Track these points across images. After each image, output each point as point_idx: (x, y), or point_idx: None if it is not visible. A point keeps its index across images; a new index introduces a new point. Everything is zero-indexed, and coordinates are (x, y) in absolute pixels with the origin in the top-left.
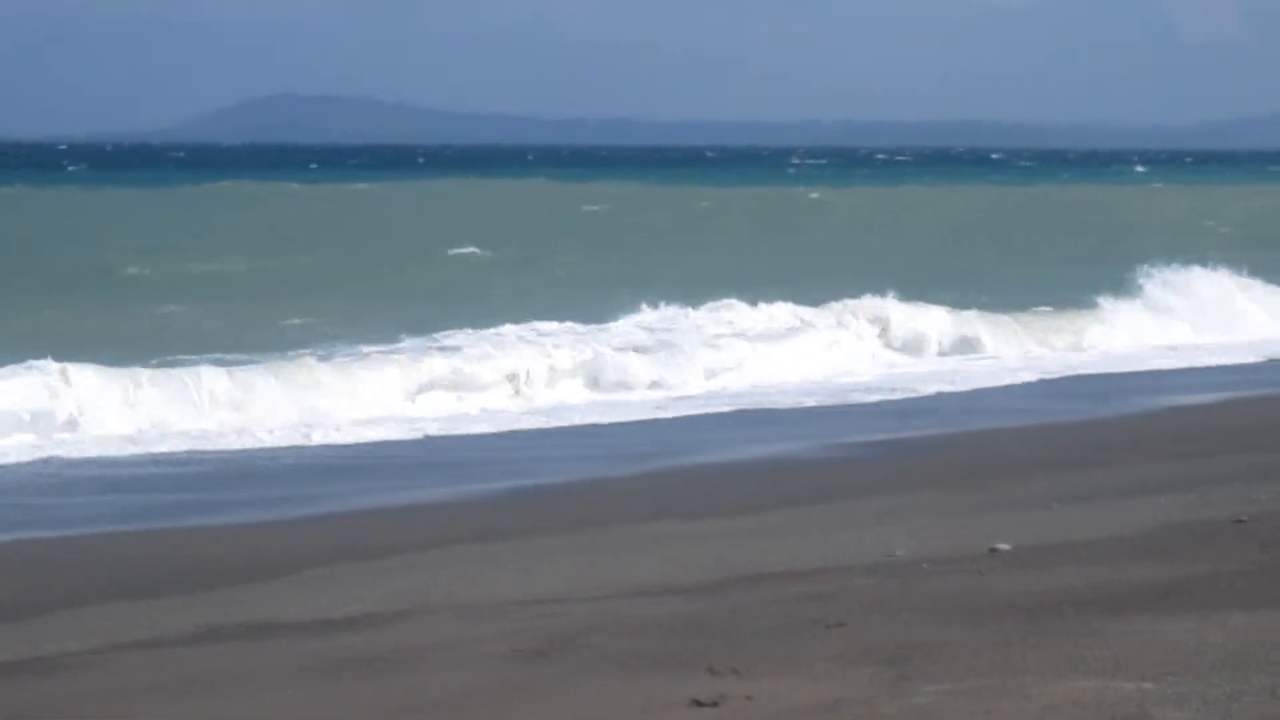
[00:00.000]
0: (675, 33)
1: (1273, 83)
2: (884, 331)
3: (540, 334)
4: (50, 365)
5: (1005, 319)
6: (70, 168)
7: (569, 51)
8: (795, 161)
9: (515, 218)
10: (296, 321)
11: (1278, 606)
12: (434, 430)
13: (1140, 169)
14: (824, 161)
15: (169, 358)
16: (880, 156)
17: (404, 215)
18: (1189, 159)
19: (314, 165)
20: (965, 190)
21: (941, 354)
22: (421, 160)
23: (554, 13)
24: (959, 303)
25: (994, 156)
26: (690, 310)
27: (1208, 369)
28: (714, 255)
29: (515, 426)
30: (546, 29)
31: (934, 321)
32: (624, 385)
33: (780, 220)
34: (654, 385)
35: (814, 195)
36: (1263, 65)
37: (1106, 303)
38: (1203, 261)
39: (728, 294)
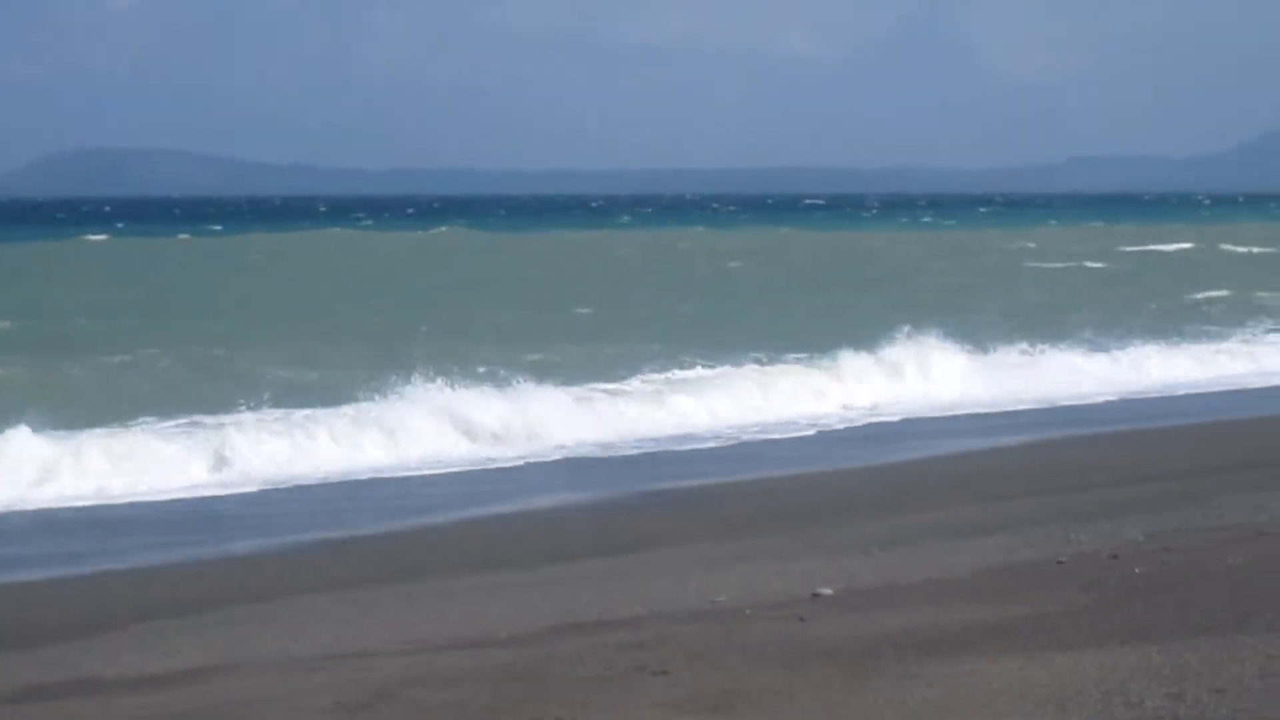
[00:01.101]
0: (486, 82)
1: (1077, 128)
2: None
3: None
4: None
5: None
6: None
7: (381, 100)
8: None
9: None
10: None
11: (1099, 646)
12: (254, 488)
13: (926, 218)
14: (650, 210)
15: None
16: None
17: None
18: (983, 208)
19: (120, 224)
20: (753, 234)
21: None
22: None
23: (360, 63)
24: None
25: (808, 202)
26: None
27: (989, 414)
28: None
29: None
30: (354, 79)
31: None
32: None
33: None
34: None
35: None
36: (1069, 112)
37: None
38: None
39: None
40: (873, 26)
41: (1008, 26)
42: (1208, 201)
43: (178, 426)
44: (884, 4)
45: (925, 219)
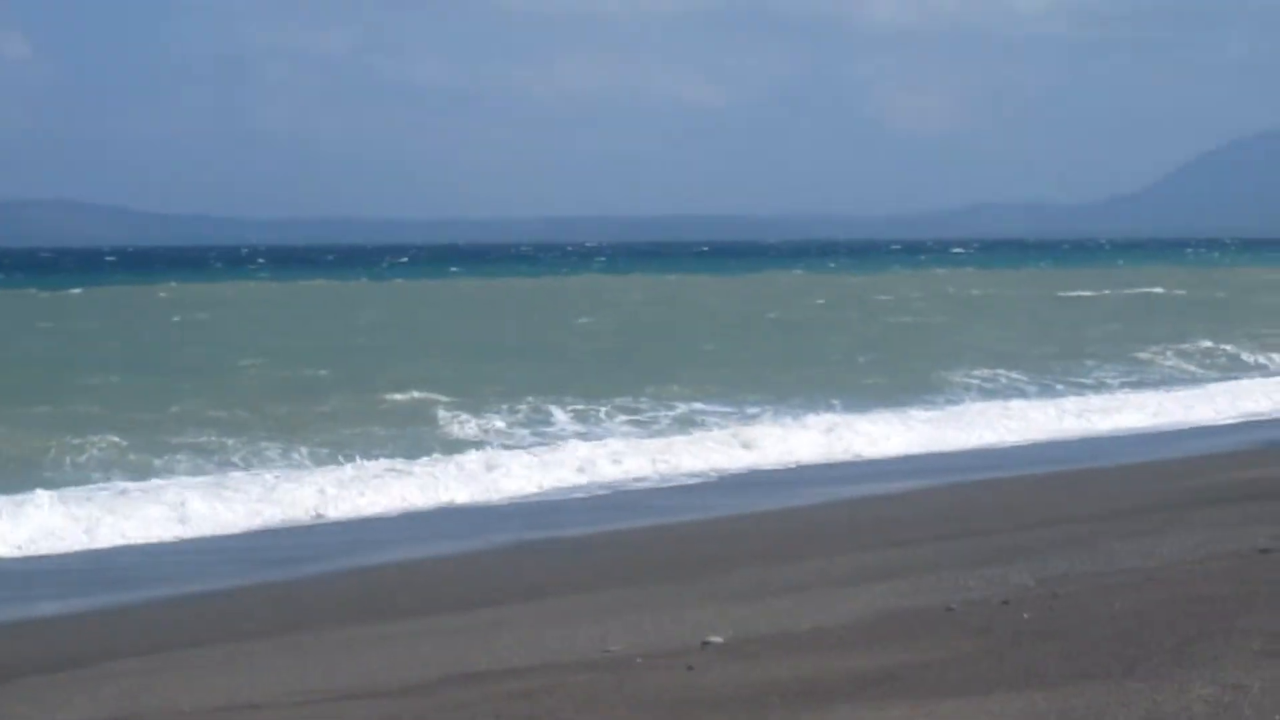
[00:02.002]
0: (375, 134)
1: (971, 176)
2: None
3: None
4: None
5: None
6: None
7: (270, 153)
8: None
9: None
10: None
11: (988, 693)
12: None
13: (798, 270)
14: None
15: None
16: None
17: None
18: (881, 248)
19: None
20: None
21: None
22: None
23: (252, 113)
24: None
25: (704, 249)
26: None
27: (879, 460)
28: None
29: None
30: (246, 129)
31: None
32: None
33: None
34: None
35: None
36: (964, 159)
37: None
38: None
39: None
40: (770, 75)
41: (901, 78)
42: (1107, 246)
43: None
44: (781, 54)
45: (830, 264)
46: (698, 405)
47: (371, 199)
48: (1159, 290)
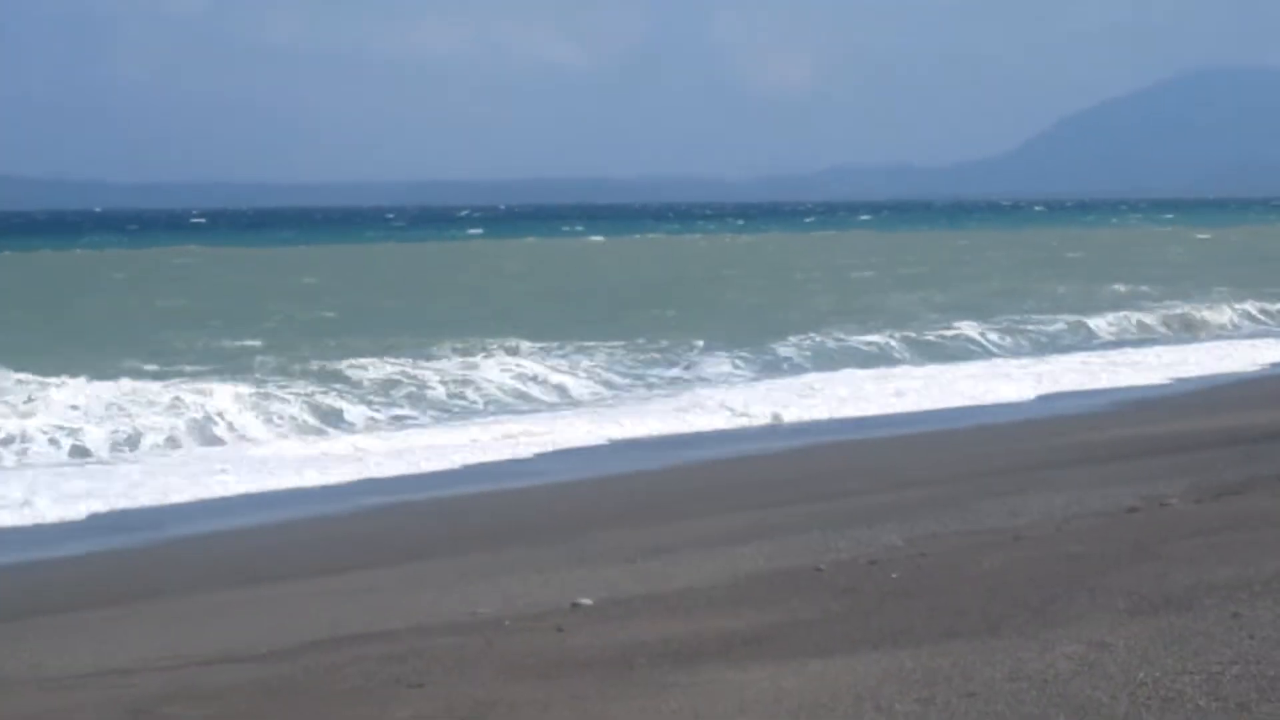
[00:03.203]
0: (237, 95)
1: (835, 138)
2: None
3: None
4: None
5: None
6: None
7: (131, 114)
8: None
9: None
10: None
11: (853, 652)
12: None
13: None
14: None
15: None
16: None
17: None
18: (738, 218)
19: None
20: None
21: None
22: None
23: (114, 76)
24: None
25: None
26: None
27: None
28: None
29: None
30: (100, 90)
31: None
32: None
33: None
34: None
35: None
36: (826, 123)
37: None
38: None
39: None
40: (627, 36)
41: (762, 40)
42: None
43: None
44: (637, 14)
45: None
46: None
47: (235, 162)
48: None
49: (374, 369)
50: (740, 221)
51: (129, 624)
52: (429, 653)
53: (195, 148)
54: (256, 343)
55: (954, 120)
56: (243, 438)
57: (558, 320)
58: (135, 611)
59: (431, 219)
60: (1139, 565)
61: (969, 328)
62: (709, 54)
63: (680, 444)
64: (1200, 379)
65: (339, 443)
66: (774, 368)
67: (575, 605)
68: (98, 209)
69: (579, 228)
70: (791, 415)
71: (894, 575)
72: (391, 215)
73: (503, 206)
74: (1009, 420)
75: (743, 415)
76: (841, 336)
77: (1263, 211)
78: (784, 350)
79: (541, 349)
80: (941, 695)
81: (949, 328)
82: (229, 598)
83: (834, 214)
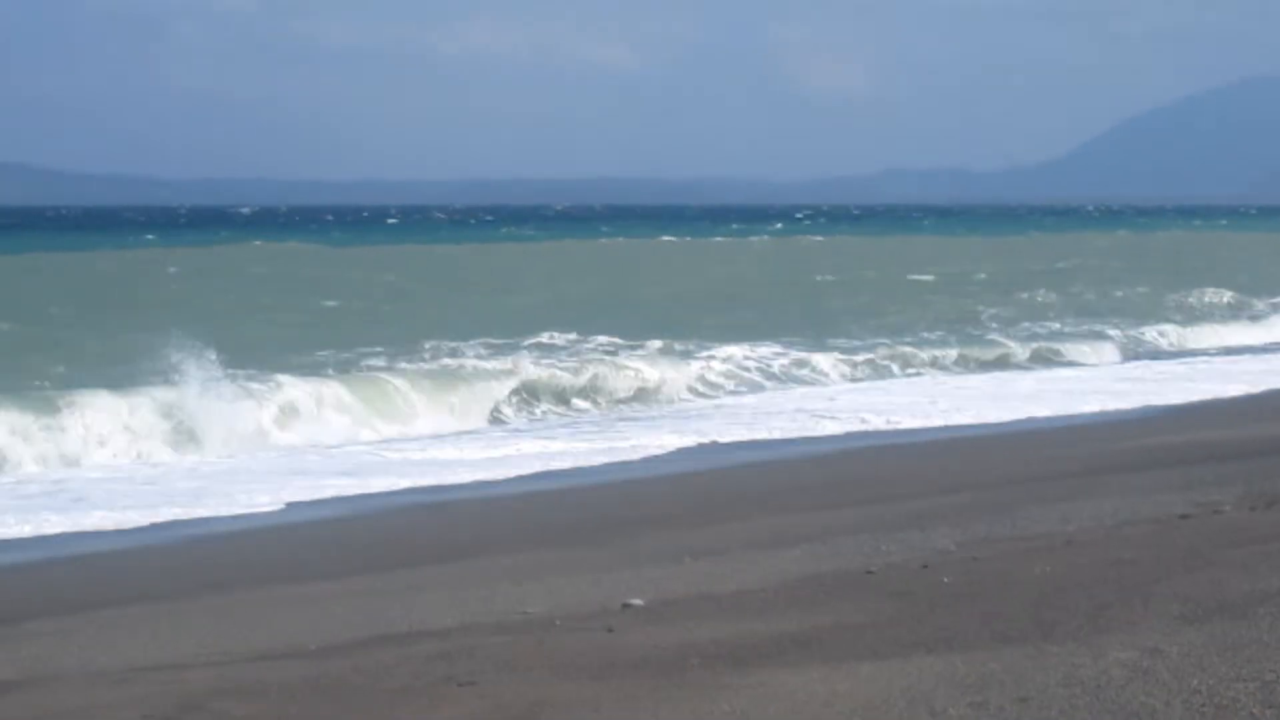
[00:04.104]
0: (289, 94)
1: (890, 142)
2: None
3: None
4: None
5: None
6: None
7: (185, 112)
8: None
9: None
10: None
11: (906, 656)
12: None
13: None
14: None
15: None
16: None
17: None
18: (787, 220)
19: None
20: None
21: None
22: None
23: (170, 73)
24: None
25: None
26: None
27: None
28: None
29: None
30: (158, 87)
31: None
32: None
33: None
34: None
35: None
36: (878, 125)
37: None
38: None
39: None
40: (681, 40)
41: (817, 43)
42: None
43: None
44: (691, 18)
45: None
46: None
47: (285, 160)
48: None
49: None
50: (805, 220)
51: (178, 619)
52: (479, 651)
53: (246, 145)
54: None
55: (1009, 125)
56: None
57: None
58: (184, 607)
59: (509, 217)
60: (1192, 572)
61: None
62: (763, 57)
63: (733, 447)
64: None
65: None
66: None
67: (626, 605)
68: (154, 205)
69: (666, 235)
70: None
71: (946, 579)
72: (442, 215)
73: (558, 206)
74: (1062, 426)
75: None
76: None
77: None
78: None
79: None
80: (994, 700)
81: None
82: (278, 593)
83: (905, 217)
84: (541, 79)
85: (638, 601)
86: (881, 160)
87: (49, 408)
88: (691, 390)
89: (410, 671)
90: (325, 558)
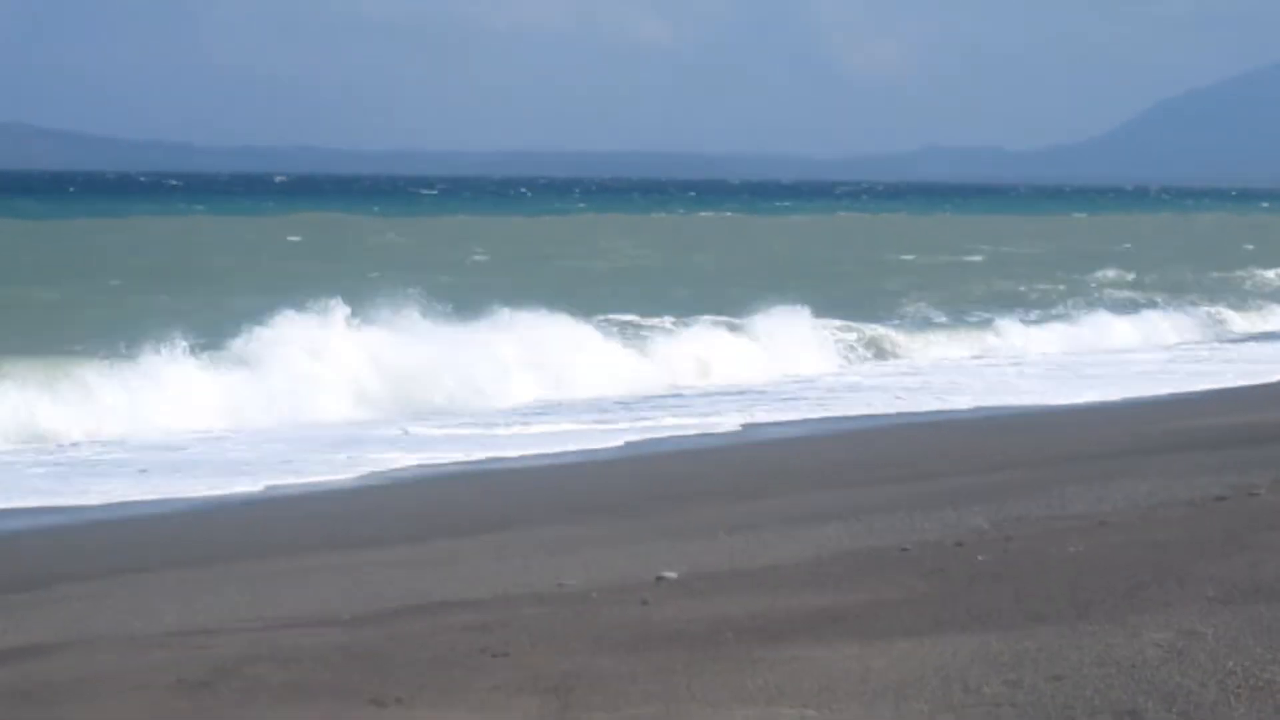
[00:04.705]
0: (328, 64)
1: (931, 119)
2: None
3: None
4: None
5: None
6: None
7: (225, 81)
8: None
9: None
10: None
11: (940, 633)
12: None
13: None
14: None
15: None
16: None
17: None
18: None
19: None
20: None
21: None
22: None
23: (202, 42)
24: None
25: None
26: None
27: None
28: None
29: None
30: (198, 57)
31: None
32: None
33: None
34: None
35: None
36: (916, 103)
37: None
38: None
39: None
40: (724, 14)
41: (855, 20)
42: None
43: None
44: None
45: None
46: None
47: (323, 129)
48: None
49: None
50: (857, 198)
51: (212, 585)
52: (515, 623)
53: (285, 116)
54: None
55: (1047, 104)
56: None
57: None
58: (219, 573)
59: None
60: (1228, 554)
61: None
62: (801, 33)
63: (770, 422)
64: None
65: None
66: None
67: (660, 579)
68: (190, 172)
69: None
70: None
71: (980, 558)
72: (525, 189)
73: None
74: (1098, 406)
75: None
76: None
77: None
78: None
79: None
80: (1029, 678)
81: None
82: (313, 561)
83: (946, 196)
84: (583, 53)
85: (672, 575)
86: (920, 138)
87: None
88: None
89: (445, 642)
90: (359, 526)
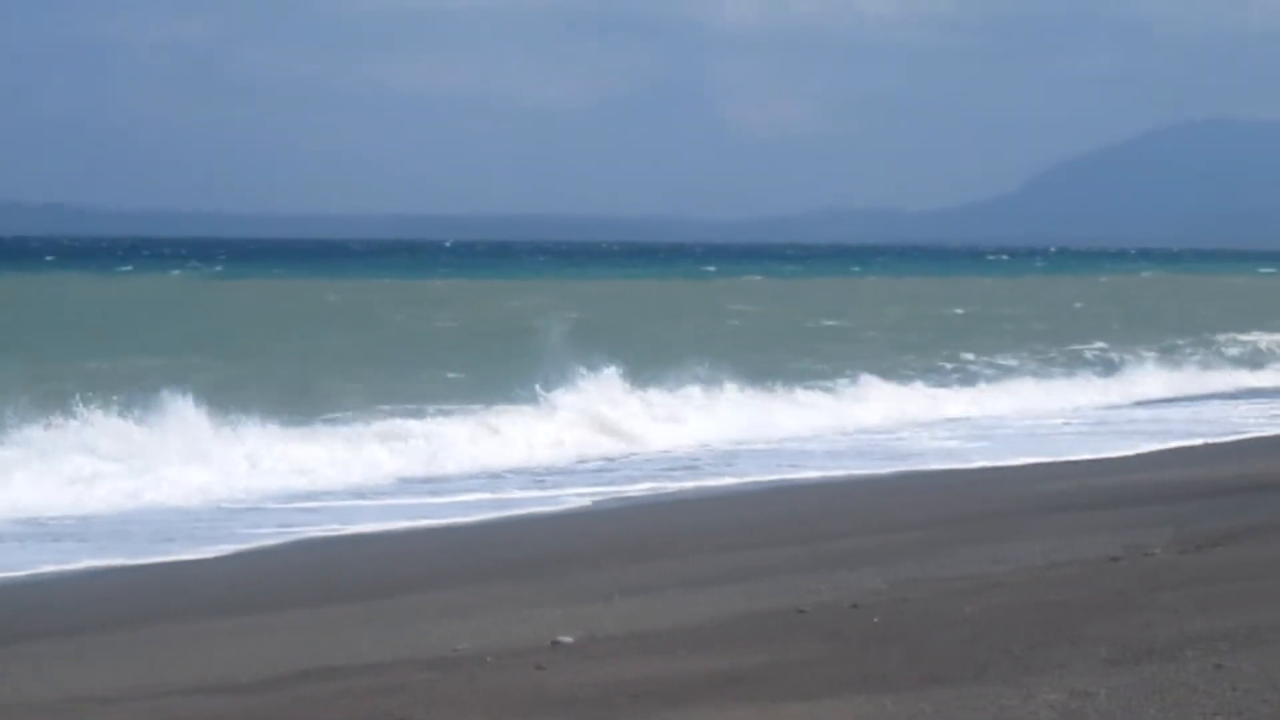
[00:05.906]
0: (232, 127)
1: (821, 181)
2: None
3: None
4: None
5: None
6: None
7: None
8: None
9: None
10: None
11: (836, 695)
12: None
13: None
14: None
15: None
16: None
17: None
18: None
19: None
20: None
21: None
22: None
23: (111, 102)
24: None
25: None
26: None
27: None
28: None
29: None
30: (104, 119)
31: None
32: None
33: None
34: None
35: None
36: (814, 165)
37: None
38: None
39: None
40: (623, 77)
41: (753, 82)
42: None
43: None
44: (627, 59)
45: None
46: None
47: (220, 192)
48: None
49: None
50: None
51: (109, 652)
52: (412, 687)
53: (188, 178)
54: None
55: (944, 165)
56: None
57: None
58: (116, 639)
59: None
60: (1122, 614)
61: None
62: (697, 97)
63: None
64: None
65: None
66: None
67: (556, 643)
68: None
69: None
70: None
71: (876, 619)
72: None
73: (481, 243)
74: (992, 465)
75: None
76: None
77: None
78: None
79: None
80: None
81: None
82: (212, 626)
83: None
84: (484, 118)
85: (567, 639)
86: (819, 199)
87: None
88: None
89: (345, 707)
90: (257, 591)
